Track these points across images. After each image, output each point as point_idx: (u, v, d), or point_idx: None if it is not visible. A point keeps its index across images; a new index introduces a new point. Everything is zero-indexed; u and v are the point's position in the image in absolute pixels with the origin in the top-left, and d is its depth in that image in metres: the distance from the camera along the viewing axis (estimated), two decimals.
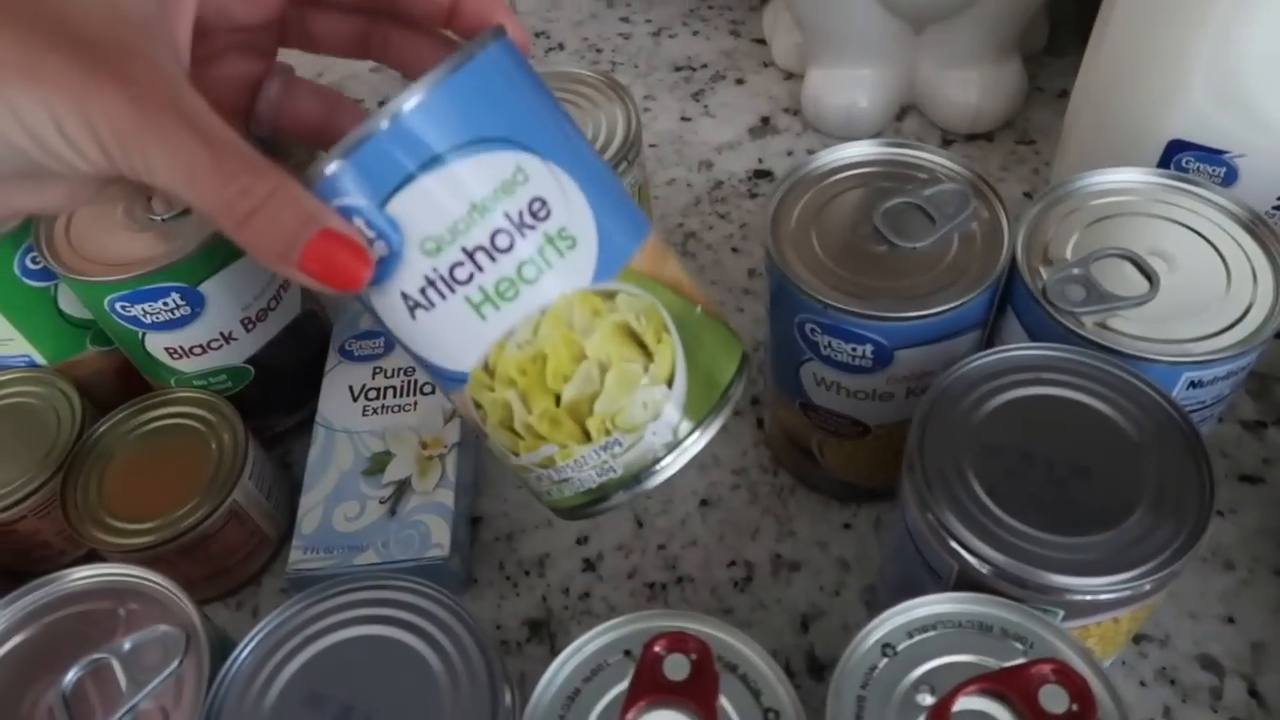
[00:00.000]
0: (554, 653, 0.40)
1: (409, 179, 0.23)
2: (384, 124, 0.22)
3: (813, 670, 0.39)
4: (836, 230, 0.36)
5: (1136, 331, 0.32)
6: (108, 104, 0.21)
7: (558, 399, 0.26)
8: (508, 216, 0.24)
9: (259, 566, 0.44)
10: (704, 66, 0.64)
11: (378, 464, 0.43)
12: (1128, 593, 0.27)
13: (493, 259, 0.24)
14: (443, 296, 0.24)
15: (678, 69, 0.64)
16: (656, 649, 0.27)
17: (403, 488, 0.42)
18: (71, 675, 0.28)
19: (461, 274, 0.24)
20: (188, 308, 0.40)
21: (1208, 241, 0.35)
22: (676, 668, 0.27)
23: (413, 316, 0.25)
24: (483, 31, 0.24)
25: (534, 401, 0.26)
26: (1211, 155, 0.38)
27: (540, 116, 0.25)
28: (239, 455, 0.41)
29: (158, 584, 0.30)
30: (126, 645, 0.28)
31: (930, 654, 0.27)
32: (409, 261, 0.24)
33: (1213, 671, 0.37)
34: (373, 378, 0.46)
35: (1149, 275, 0.34)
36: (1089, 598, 0.27)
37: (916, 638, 0.27)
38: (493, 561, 0.43)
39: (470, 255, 0.24)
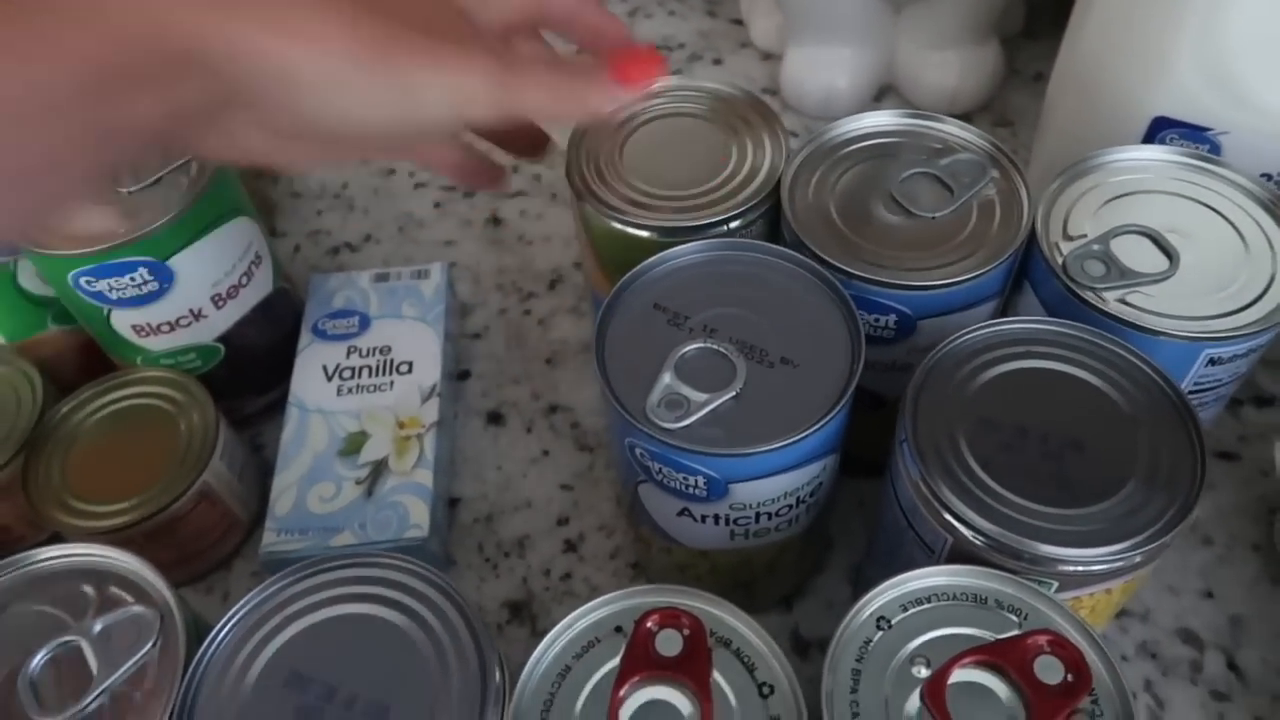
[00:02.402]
0: (535, 635, 0.39)
1: (764, 476, 0.31)
2: (773, 446, 0.29)
3: (798, 648, 0.39)
4: (854, 201, 0.36)
5: (1157, 308, 0.32)
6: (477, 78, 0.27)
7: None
8: (798, 497, 0.33)
9: (230, 550, 0.42)
10: (681, 46, 0.64)
11: (353, 444, 0.42)
12: (1120, 564, 0.27)
13: (768, 518, 0.33)
14: (715, 524, 0.33)
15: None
16: (649, 625, 0.27)
17: (380, 468, 0.41)
18: (39, 658, 0.27)
19: (740, 520, 0.32)
20: (156, 283, 0.39)
21: (1226, 219, 0.35)
22: (669, 643, 0.27)
23: (680, 518, 0.33)
24: (848, 382, 0.30)
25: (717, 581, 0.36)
26: (1195, 132, 0.38)
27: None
28: (209, 435, 0.40)
29: (129, 564, 0.29)
30: (97, 627, 0.27)
31: (925, 627, 0.27)
32: (713, 506, 0.32)
33: (1193, 645, 0.37)
34: (347, 357, 0.44)
35: (1168, 252, 0.34)
36: (1082, 569, 0.27)
37: (911, 611, 0.27)
38: (471, 543, 0.42)
39: (756, 515, 0.32)
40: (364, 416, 0.43)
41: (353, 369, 0.44)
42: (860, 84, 0.56)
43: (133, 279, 0.38)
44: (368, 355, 0.45)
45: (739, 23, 0.64)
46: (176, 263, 0.39)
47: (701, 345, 0.32)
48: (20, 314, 0.43)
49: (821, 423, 0.30)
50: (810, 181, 0.37)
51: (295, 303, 0.47)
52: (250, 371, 0.45)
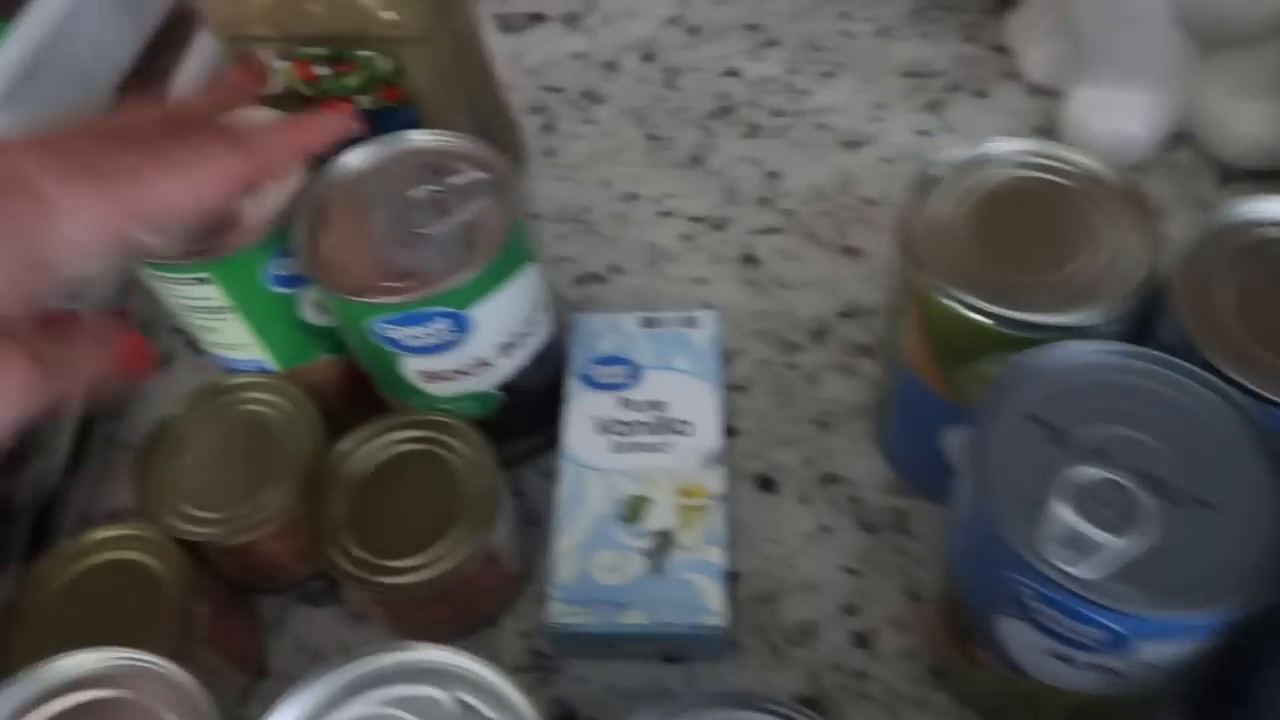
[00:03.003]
0: None
1: (1180, 638, 0.27)
2: (1206, 610, 0.26)
3: None
4: (1261, 307, 0.31)
5: None
6: None
7: None
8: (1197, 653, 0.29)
9: (498, 607, 0.41)
10: (938, 74, 0.59)
11: (635, 510, 0.39)
12: None
13: (1157, 671, 0.29)
14: (1091, 671, 0.29)
15: (908, 75, 0.59)
16: None
17: (665, 540, 0.39)
18: None
19: (1125, 671, 0.29)
20: (454, 333, 0.37)
21: None
22: None
23: (1049, 658, 0.30)
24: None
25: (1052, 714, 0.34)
26: None
27: None
28: (494, 491, 0.38)
29: (483, 672, 0.27)
30: None
31: None
32: (1101, 658, 0.28)
33: None
34: (619, 410, 0.42)
35: None
36: None
37: None
38: (752, 624, 0.40)
39: (1149, 669, 0.29)
40: (642, 479, 0.40)
41: (626, 424, 0.42)
42: (1156, 131, 0.51)
43: (432, 329, 0.37)
44: (642, 409, 0.42)
45: (1001, 50, 0.60)
46: (476, 313, 0.37)
47: (1096, 472, 0.28)
48: (296, 343, 0.42)
49: (1261, 582, 0.26)
50: (1203, 279, 0.33)
51: (562, 347, 0.45)
52: (520, 417, 0.43)
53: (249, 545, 0.39)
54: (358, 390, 0.45)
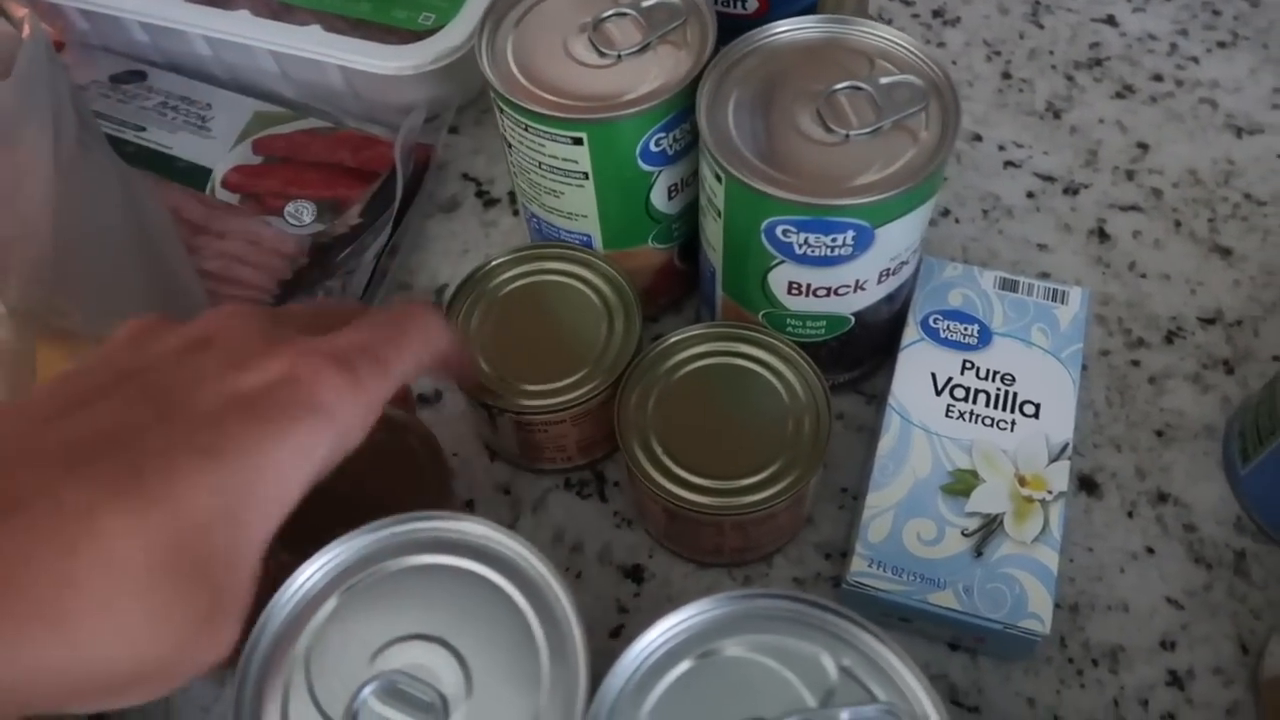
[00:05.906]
0: None
1: None
2: None
3: None
4: None
5: None
6: None
7: None
8: None
9: (777, 548, 0.39)
10: None
11: (962, 484, 0.36)
12: None
13: None
14: None
15: None
16: None
17: (992, 525, 0.35)
18: None
19: None
20: (850, 248, 0.34)
21: None
22: None
23: None
24: None
25: None
26: None
27: None
28: (823, 426, 0.35)
29: (879, 649, 0.25)
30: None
31: None
32: None
33: None
34: (961, 373, 0.39)
35: None
36: None
37: None
38: (1053, 634, 0.36)
39: None
40: (975, 453, 0.37)
41: (966, 390, 0.38)
42: None
43: (834, 240, 0.33)
44: (986, 378, 0.38)
45: None
46: (883, 232, 0.33)
47: None
48: (633, 224, 0.40)
49: None
50: None
51: (910, 280, 0.41)
52: (856, 349, 0.40)
53: (538, 427, 0.37)
54: (665, 282, 0.43)
